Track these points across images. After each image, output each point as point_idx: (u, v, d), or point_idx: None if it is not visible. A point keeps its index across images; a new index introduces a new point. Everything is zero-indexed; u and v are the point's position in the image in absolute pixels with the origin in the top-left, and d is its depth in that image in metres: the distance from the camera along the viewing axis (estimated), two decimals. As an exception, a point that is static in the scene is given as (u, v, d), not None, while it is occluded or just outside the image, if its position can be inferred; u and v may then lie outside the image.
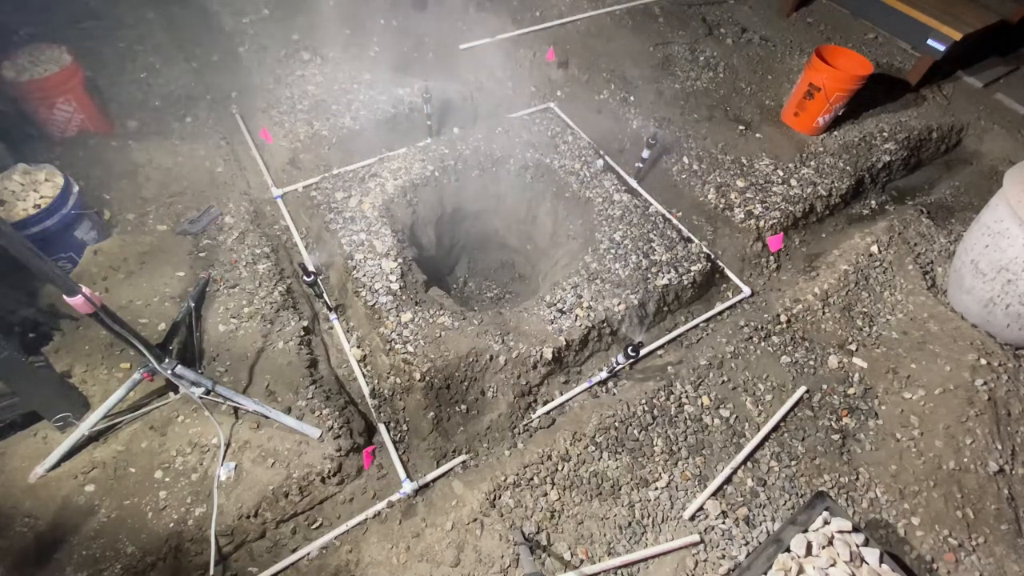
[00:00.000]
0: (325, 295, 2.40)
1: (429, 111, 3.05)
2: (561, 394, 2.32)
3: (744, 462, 2.15)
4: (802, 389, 2.34)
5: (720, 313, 2.67)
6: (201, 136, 3.21)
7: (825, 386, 2.38)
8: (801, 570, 1.55)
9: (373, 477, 2.10)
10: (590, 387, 2.35)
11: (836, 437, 2.23)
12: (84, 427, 1.90)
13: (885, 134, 3.29)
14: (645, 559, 1.92)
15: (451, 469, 2.14)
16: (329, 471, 1.99)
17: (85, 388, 2.09)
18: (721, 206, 2.87)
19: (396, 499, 2.03)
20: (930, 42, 3.50)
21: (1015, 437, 2.19)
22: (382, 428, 2.21)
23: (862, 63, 3.13)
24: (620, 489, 2.05)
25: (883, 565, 1.55)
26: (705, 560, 1.93)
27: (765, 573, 1.57)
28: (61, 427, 1.97)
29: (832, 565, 1.54)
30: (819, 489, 2.06)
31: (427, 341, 2.22)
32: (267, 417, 2.01)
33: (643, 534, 1.97)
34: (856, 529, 1.62)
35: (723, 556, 1.93)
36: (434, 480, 2.11)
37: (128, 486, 1.90)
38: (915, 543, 1.98)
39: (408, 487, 2.03)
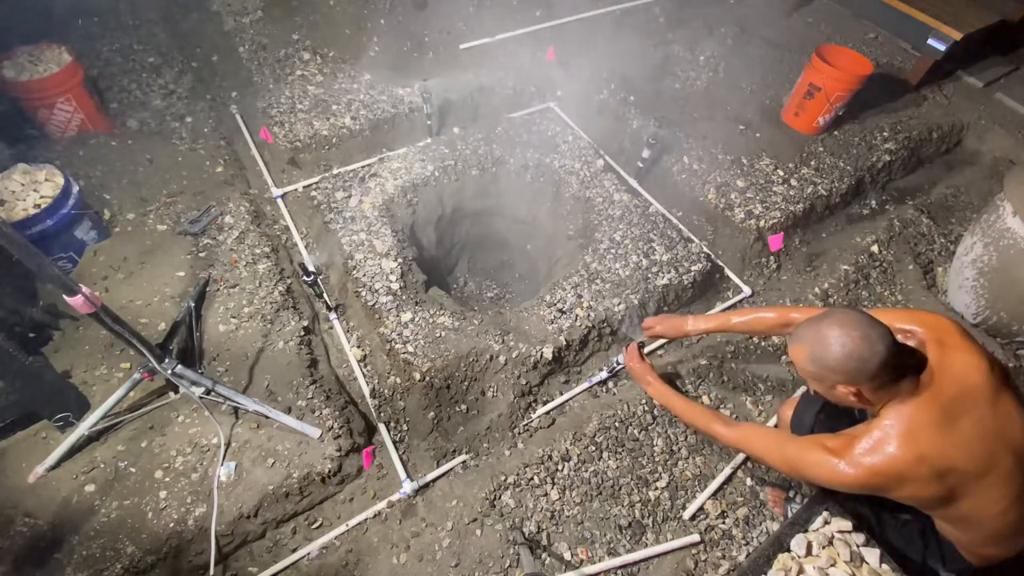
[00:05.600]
0: (325, 295, 2.40)
1: (429, 111, 3.04)
2: (561, 394, 2.32)
3: (744, 462, 2.15)
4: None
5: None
6: (201, 136, 3.21)
7: (825, 386, 2.37)
8: (801, 570, 1.55)
9: (373, 477, 2.10)
10: (590, 387, 2.35)
11: (836, 437, 2.23)
12: (84, 427, 1.90)
13: (885, 134, 3.29)
14: (645, 559, 1.92)
15: (451, 469, 2.14)
16: (329, 471, 1.99)
17: (85, 388, 2.09)
18: (721, 206, 2.87)
19: (396, 499, 2.03)
20: (930, 42, 3.50)
21: (1015, 437, 2.19)
22: (382, 428, 2.21)
23: (862, 63, 3.12)
24: (620, 489, 2.05)
25: (883, 565, 1.54)
26: (705, 560, 1.93)
27: (765, 573, 1.56)
28: (61, 427, 1.97)
29: (832, 565, 1.54)
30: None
31: (427, 341, 2.22)
32: (267, 417, 2.01)
33: (643, 534, 1.97)
34: (856, 529, 1.62)
35: (723, 556, 1.93)
36: (434, 480, 2.10)
37: (128, 486, 1.90)
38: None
39: (408, 487, 2.03)
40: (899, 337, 1.32)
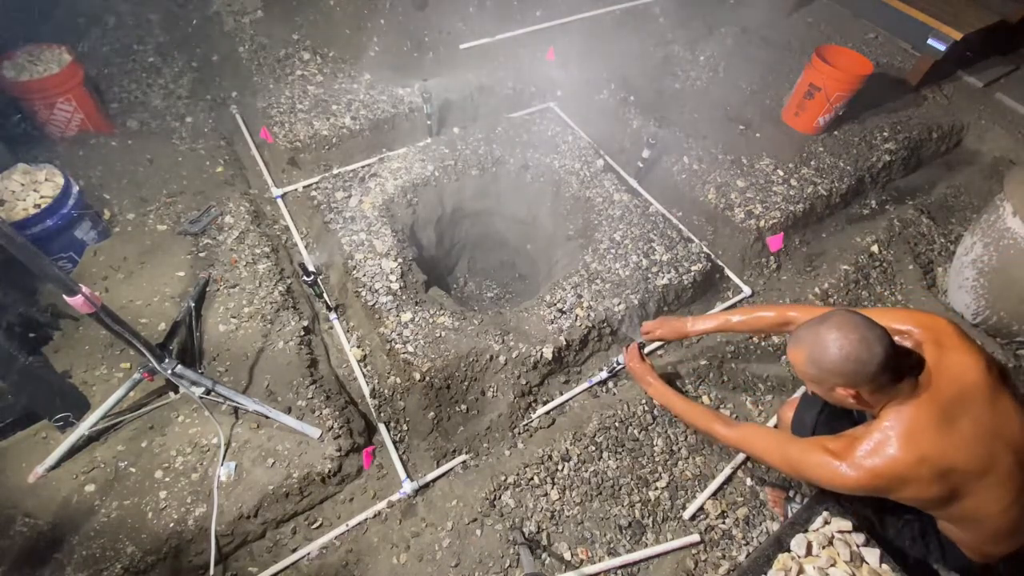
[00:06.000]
0: (325, 295, 2.40)
1: (429, 111, 3.05)
2: (561, 394, 2.32)
3: (744, 462, 2.15)
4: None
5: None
6: (201, 136, 3.21)
7: (825, 386, 2.37)
8: (801, 570, 1.55)
9: (373, 477, 2.10)
10: (590, 387, 2.35)
11: (836, 437, 2.23)
12: (84, 427, 1.90)
13: (885, 134, 3.29)
14: (645, 559, 1.92)
15: (451, 469, 2.14)
16: (329, 471, 1.99)
17: (85, 388, 2.09)
18: (721, 206, 2.87)
19: (396, 499, 2.03)
20: (930, 42, 3.49)
21: (1015, 437, 2.19)
22: (382, 428, 2.21)
23: (862, 63, 3.12)
24: (620, 489, 2.05)
25: (883, 565, 1.54)
26: (705, 560, 1.93)
27: (765, 573, 1.56)
28: (61, 427, 1.97)
29: (832, 565, 1.54)
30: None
31: (427, 341, 2.22)
32: (267, 417, 2.01)
33: (643, 534, 1.97)
34: (856, 529, 1.62)
35: (723, 556, 1.93)
36: (434, 480, 2.11)
37: (128, 486, 1.90)
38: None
39: (408, 487, 2.03)
40: (896, 338, 1.33)
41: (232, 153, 3.20)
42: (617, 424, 2.19)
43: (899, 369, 1.29)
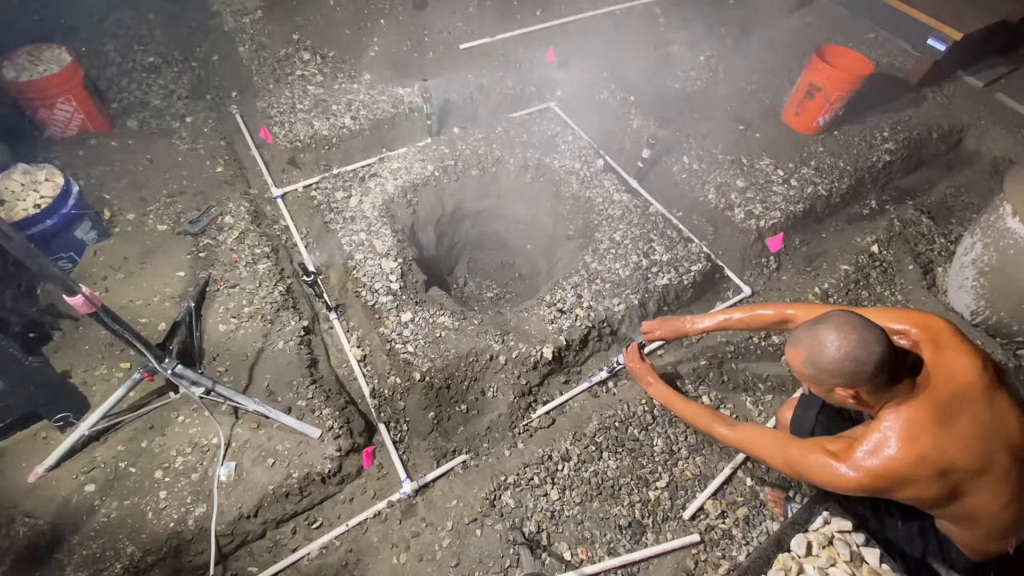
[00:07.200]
0: (325, 295, 2.40)
1: (429, 111, 3.05)
2: (561, 394, 2.32)
3: (744, 462, 2.15)
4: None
5: (720, 313, 2.67)
6: (201, 136, 3.21)
7: (825, 386, 2.37)
8: (801, 570, 1.55)
9: (373, 477, 2.10)
10: (590, 387, 2.35)
11: (836, 437, 2.23)
12: (84, 427, 1.90)
13: (885, 134, 3.29)
14: (645, 559, 1.92)
15: (451, 469, 2.14)
16: (329, 471, 1.99)
17: (85, 388, 2.09)
18: (721, 206, 2.87)
19: (396, 499, 2.03)
20: (930, 42, 3.50)
21: (1015, 437, 2.19)
22: (382, 428, 2.21)
23: (862, 63, 3.12)
24: (620, 489, 2.05)
25: (883, 565, 1.54)
26: (705, 560, 1.93)
27: (765, 573, 1.56)
28: (61, 427, 1.97)
29: (832, 565, 1.54)
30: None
31: (427, 341, 2.22)
32: (267, 417, 2.01)
33: (643, 534, 1.97)
34: (856, 529, 1.62)
35: (723, 556, 1.93)
36: (434, 480, 2.11)
37: (128, 486, 1.90)
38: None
39: (408, 487, 2.03)
40: (893, 338, 1.33)
41: (232, 153, 3.20)
42: (617, 424, 2.19)
43: (897, 369, 1.29)
